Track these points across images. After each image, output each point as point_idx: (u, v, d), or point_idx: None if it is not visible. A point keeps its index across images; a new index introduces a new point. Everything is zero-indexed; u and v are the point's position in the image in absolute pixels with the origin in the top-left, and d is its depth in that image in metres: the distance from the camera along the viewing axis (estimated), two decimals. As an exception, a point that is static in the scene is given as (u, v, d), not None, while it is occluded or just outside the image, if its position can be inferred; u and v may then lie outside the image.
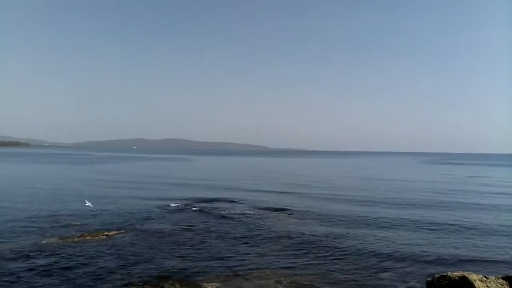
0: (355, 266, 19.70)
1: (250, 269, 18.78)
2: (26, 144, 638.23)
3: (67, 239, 23.54)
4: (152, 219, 31.00)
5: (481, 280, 12.37)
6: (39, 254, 20.29)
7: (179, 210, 35.49)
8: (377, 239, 25.52)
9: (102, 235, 24.83)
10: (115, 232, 25.76)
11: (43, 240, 23.28)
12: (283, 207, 37.49)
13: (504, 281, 12.60)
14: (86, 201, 35.76)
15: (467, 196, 49.06)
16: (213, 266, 19.04)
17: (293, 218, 32.85)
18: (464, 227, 29.78)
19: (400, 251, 22.53)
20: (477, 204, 42.33)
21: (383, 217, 33.40)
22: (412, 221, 31.96)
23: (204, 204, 38.48)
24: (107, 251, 21.23)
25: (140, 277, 17.30)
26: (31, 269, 17.90)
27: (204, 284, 16.49)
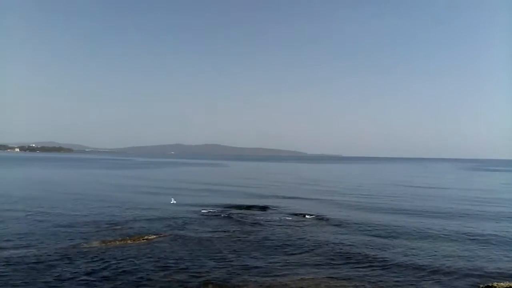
0: (396, 277, 19.24)
1: (290, 277, 18.64)
2: (69, 150, 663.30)
3: (108, 243, 24.18)
4: (189, 224, 31.43)
5: None
6: (82, 257, 20.88)
7: (215, 215, 35.80)
8: (419, 250, 24.70)
9: (142, 239, 25.36)
10: (154, 236, 26.27)
11: (85, 243, 24.01)
12: (320, 214, 37.05)
13: None
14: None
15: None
16: (251, 274, 19.05)
17: (331, 226, 32.38)
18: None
19: (443, 263, 21.78)
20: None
21: (426, 228, 32.30)
22: (456, 232, 30.81)
23: (241, 211, 38.68)
24: (147, 256, 21.63)
25: (180, 282, 17.54)
26: (73, 272, 18.44)
27: (243, 291, 16.45)
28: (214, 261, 21.05)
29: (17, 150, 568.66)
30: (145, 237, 25.79)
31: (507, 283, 12.95)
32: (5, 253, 21.14)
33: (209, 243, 25.09)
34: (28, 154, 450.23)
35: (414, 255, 23.57)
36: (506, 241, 27.68)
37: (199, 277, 18.35)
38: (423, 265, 21.28)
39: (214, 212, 37.51)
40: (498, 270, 20.20)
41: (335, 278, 18.78)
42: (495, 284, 13.11)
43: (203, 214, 36.14)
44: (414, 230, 31.17)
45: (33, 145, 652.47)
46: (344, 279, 18.53)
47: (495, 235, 29.57)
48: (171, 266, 19.90)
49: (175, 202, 36.25)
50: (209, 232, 28.62)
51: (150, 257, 21.31)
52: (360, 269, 20.29)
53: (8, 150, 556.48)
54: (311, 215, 36.49)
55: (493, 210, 43.29)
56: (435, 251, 24.33)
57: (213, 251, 23.16)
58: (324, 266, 20.70)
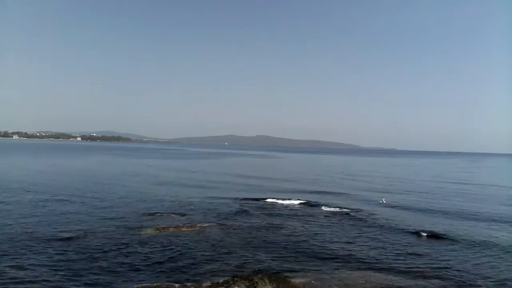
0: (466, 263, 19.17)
1: (338, 268, 18.43)
2: (127, 139, 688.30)
3: (163, 230, 24.83)
4: (244, 212, 31.81)
5: None
6: (139, 244, 21.58)
7: (267, 206, 35.94)
8: (476, 236, 23.71)
9: (196, 227, 25.80)
10: (206, 224, 26.69)
11: (141, 230, 24.76)
12: (358, 209, 36.12)
13: None
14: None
15: None
16: (300, 263, 18.98)
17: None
18: None
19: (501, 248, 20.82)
20: None
21: (488, 215, 31.15)
22: None
23: (295, 200, 38.80)
24: (200, 242, 22.10)
25: (231, 268, 17.79)
26: (127, 256, 19.17)
27: (293, 280, 16.40)
28: (264, 250, 21.18)
29: (79, 139, 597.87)
30: (198, 225, 26.22)
31: None
32: (66, 240, 22.14)
33: (259, 232, 25.25)
34: (89, 143, 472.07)
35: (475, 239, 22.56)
36: None
37: (249, 263, 18.59)
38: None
39: (267, 202, 37.80)
40: None
41: (383, 268, 18.29)
42: None
43: (255, 204, 36.39)
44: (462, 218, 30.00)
45: (94, 134, 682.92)
46: (389, 271, 17.97)
47: None
48: (222, 252, 20.25)
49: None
50: (260, 221, 28.78)
51: (203, 244, 21.76)
52: (409, 262, 19.64)
53: (71, 139, 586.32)
54: (347, 209, 35.64)
55: None
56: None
57: (263, 240, 23.26)
58: (370, 258, 20.26)
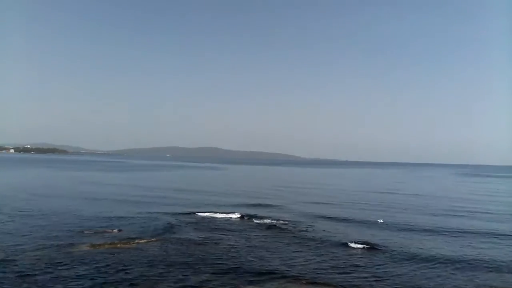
0: (398, 274, 20.32)
1: (279, 283, 18.72)
2: (63, 151, 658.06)
3: (98, 246, 24.19)
4: (182, 227, 31.45)
5: None
6: (70, 262, 20.81)
7: (209, 219, 35.88)
8: (418, 247, 25.93)
9: (133, 243, 25.34)
10: (144, 240, 26.27)
11: (74, 248, 23.94)
12: (320, 214, 38.39)
13: None
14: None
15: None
16: (239, 279, 19.06)
17: (332, 226, 33.34)
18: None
19: (448, 259, 23.25)
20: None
21: (423, 226, 33.82)
22: (452, 229, 31.20)
23: (234, 213, 38.68)
24: (137, 260, 21.62)
25: (170, 285, 17.60)
26: (59, 277, 18.37)
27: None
28: (207, 264, 21.12)
29: (12, 151, 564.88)
30: (136, 241, 25.78)
31: None
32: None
33: (201, 246, 25.17)
34: (22, 155, 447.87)
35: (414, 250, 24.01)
36: None
37: (191, 281, 18.38)
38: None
39: (209, 215, 37.66)
40: None
41: (329, 276, 18.83)
42: None
43: (196, 218, 36.29)
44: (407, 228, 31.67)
45: (28, 146, 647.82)
46: (344, 278, 18.65)
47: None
48: (161, 272, 19.81)
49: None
50: (202, 235, 28.73)
51: (140, 261, 21.32)
52: (375, 266, 20.47)
53: (3, 151, 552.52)
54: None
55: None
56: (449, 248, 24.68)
57: (206, 254, 23.21)
58: (324, 266, 20.84)
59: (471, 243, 28.60)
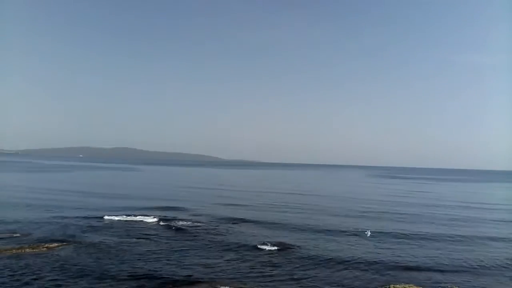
0: (302, 276, 20.94)
1: (198, 278, 19.51)
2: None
3: (4, 251, 23.18)
4: (95, 231, 30.81)
5: None
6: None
7: (123, 222, 35.35)
8: (325, 249, 27.25)
9: (43, 247, 24.58)
10: (56, 244, 25.57)
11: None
12: (234, 217, 38.91)
13: None
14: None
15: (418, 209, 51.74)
16: (160, 277, 19.53)
17: (245, 228, 34.18)
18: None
19: (346, 261, 24.21)
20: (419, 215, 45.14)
21: (332, 227, 35.86)
22: (357, 230, 34.19)
23: (150, 217, 38.40)
24: (46, 265, 21.06)
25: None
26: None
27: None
28: (119, 268, 21.02)
29: None
30: (46, 245, 25.01)
31: (402, 285, 14.22)
32: None
33: (114, 249, 24.96)
34: None
35: (322, 251, 25.98)
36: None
37: (103, 284, 18.30)
38: (332, 261, 23.88)
39: (124, 217, 37.09)
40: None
41: (243, 278, 19.73)
42: (391, 286, 14.40)
43: (109, 220, 35.70)
44: (320, 229, 33.73)
45: None
46: (251, 279, 19.61)
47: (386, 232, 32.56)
48: (73, 275, 19.54)
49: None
50: (116, 238, 28.42)
51: (49, 266, 20.83)
52: (272, 267, 21.62)
53: None
54: (224, 218, 37.85)
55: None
56: (346, 248, 26.46)
57: (119, 257, 23.08)
58: (235, 267, 21.95)
59: (372, 243, 30.31)
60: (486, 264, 24.76)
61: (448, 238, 32.84)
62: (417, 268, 23.05)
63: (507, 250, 29.12)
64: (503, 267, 24.30)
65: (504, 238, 34.13)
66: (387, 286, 14.19)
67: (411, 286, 13.70)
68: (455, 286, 14.29)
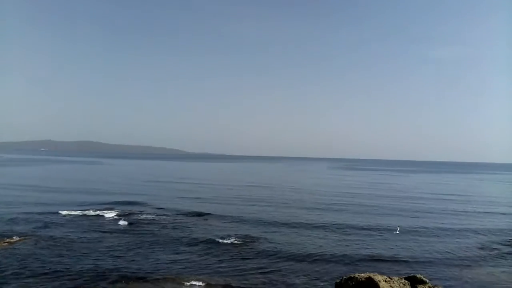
0: (266, 268, 21.52)
1: (162, 274, 19.67)
2: None
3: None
4: (53, 226, 30.86)
5: (386, 281, 13.94)
6: None
7: (81, 216, 35.57)
8: (289, 241, 27.87)
9: (4, 242, 24.95)
10: (18, 238, 25.93)
11: None
12: (198, 211, 39.20)
13: (406, 281, 14.43)
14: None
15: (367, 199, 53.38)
16: (123, 273, 19.60)
17: (208, 221, 34.79)
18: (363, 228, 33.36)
19: (310, 253, 24.84)
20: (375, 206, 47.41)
21: (296, 220, 36.39)
22: (321, 223, 35.19)
23: (114, 210, 38.83)
24: (8, 259, 21.39)
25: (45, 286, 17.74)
26: None
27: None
28: (83, 262, 21.31)
29: None
30: (7, 240, 25.42)
31: (367, 274, 14.11)
32: None
33: (77, 244, 25.34)
34: None
35: (284, 245, 26.71)
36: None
37: (66, 279, 18.58)
38: (293, 255, 24.34)
39: (77, 213, 36.81)
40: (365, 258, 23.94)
41: (210, 270, 20.53)
42: (356, 275, 14.29)
43: (73, 214, 35.93)
44: (284, 222, 35.17)
45: None
46: (216, 272, 20.41)
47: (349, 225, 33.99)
48: (35, 269, 19.83)
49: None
50: (79, 232, 28.79)
51: (12, 260, 21.19)
52: (235, 261, 22.62)
53: None
54: (189, 212, 38.63)
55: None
56: (306, 242, 27.90)
57: (83, 252, 23.40)
58: (199, 261, 22.52)
59: (337, 235, 30.93)
60: (449, 255, 25.61)
61: (412, 230, 33.54)
62: (382, 259, 23.79)
63: (474, 241, 29.88)
64: (469, 258, 25.15)
65: (474, 229, 34.62)
66: (352, 275, 14.14)
67: (375, 275, 13.81)
68: (418, 274, 15.27)
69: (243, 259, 23.29)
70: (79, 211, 37.65)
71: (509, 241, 29.98)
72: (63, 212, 36.81)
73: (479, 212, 46.33)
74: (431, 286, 14.70)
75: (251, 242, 27.51)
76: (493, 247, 28.28)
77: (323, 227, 33.91)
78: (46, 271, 19.77)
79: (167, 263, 21.87)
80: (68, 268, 20.19)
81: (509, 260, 24.82)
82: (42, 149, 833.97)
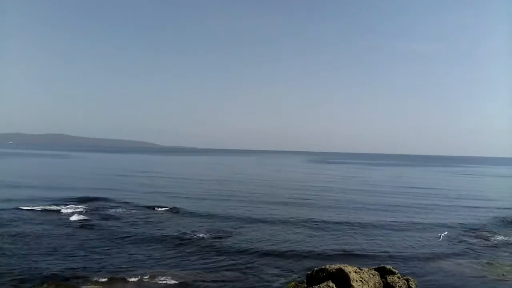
0: (239, 263, 21.40)
1: (134, 271, 19.08)
2: None
3: None
4: (17, 221, 29.89)
5: (356, 272, 14.15)
6: None
7: (41, 212, 34.30)
8: (261, 236, 27.75)
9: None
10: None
11: None
12: (170, 206, 38.50)
13: (376, 272, 14.77)
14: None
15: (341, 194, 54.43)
16: (92, 269, 19.04)
17: (179, 217, 34.18)
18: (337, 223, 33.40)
19: (282, 248, 24.82)
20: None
21: (267, 215, 36.21)
22: (293, 218, 35.08)
23: (81, 205, 37.87)
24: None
25: (14, 278, 17.30)
26: None
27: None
28: (48, 258, 20.64)
29: None
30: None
31: (337, 265, 14.33)
32: None
33: (41, 239, 24.56)
34: None
35: (255, 240, 26.57)
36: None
37: (31, 275, 17.96)
38: (264, 250, 24.18)
39: (38, 208, 35.37)
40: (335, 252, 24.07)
41: (181, 266, 20.23)
42: (327, 266, 14.51)
43: (24, 212, 33.98)
44: (255, 217, 34.94)
45: None
46: (188, 268, 20.10)
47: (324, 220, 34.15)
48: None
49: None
50: (45, 227, 27.95)
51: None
52: (206, 257, 22.24)
53: None
54: (159, 206, 38.05)
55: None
56: (276, 236, 27.86)
57: (47, 248, 22.65)
58: (170, 256, 22.10)
59: (306, 231, 30.52)
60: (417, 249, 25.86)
61: (384, 224, 33.63)
62: (353, 253, 23.92)
63: (444, 234, 29.92)
64: (437, 250, 25.62)
65: (444, 223, 34.72)
66: (323, 267, 14.43)
67: (346, 266, 14.11)
68: (387, 265, 15.61)
69: (217, 254, 23.01)
70: (42, 206, 36.16)
71: (477, 234, 30.72)
72: (24, 208, 35.23)
73: (451, 206, 46.89)
74: (400, 276, 15.06)
75: (224, 237, 27.29)
76: (462, 239, 28.96)
77: (295, 222, 33.74)
78: (8, 267, 18.98)
79: (139, 260, 21.20)
80: (24, 269, 18.84)
81: (476, 252, 25.45)
82: (10, 142, 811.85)
